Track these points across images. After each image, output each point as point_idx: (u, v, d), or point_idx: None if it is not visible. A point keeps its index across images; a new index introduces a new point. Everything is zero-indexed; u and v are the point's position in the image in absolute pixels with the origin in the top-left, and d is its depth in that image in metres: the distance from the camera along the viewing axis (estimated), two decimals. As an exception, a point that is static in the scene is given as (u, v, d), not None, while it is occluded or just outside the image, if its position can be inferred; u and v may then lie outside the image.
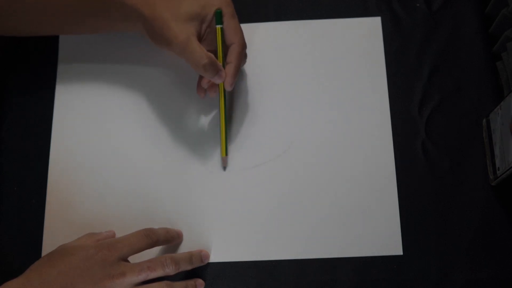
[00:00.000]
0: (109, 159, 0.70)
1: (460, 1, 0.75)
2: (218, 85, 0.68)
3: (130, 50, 0.74)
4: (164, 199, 0.69)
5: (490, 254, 0.66)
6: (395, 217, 0.67)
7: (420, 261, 0.66)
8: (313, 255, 0.66)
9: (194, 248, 0.67)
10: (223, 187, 0.69)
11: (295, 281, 0.66)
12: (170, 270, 0.61)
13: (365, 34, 0.75)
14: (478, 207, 0.67)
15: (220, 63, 0.67)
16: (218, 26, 0.67)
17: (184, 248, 0.67)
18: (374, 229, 0.67)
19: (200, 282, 0.65)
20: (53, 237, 0.67)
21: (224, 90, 0.69)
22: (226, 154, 0.69)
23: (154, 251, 0.66)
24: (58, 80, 0.74)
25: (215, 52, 0.68)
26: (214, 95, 0.69)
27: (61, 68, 0.74)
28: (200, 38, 0.67)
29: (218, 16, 0.67)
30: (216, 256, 0.67)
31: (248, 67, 0.73)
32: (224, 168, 0.70)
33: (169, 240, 0.66)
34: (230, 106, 0.72)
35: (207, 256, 0.66)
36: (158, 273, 0.60)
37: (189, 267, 0.64)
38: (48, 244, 0.67)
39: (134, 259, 0.61)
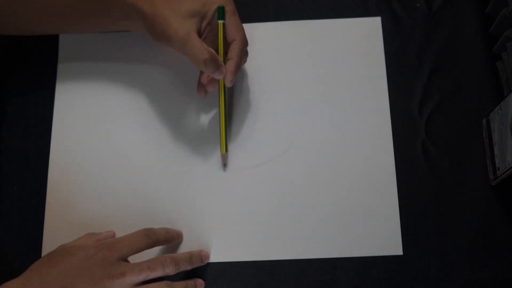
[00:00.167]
0: (109, 159, 0.70)
1: (460, 1, 0.75)
2: (218, 80, 0.68)
3: (130, 50, 0.74)
4: (164, 199, 0.69)
5: (490, 254, 0.66)
6: (395, 217, 0.67)
7: (420, 261, 0.66)
8: (313, 255, 0.66)
9: (194, 248, 0.67)
10: (223, 187, 0.69)
11: (295, 281, 0.66)
12: (170, 270, 0.61)
13: (365, 34, 0.75)
14: (478, 207, 0.67)
15: (221, 59, 0.67)
16: (220, 22, 0.67)
17: (184, 248, 0.67)
18: (374, 229, 0.67)
19: (200, 282, 0.65)
20: (53, 237, 0.67)
21: (224, 87, 0.69)
22: (226, 151, 0.69)
23: (154, 251, 0.66)
24: (58, 80, 0.74)
25: (215, 50, 0.68)
26: (213, 89, 0.69)
27: (61, 68, 0.74)
28: (200, 35, 0.67)
29: (221, 12, 0.67)
30: (216, 256, 0.67)
31: (248, 67, 0.73)
32: (224, 165, 0.70)
33: (169, 240, 0.66)
34: (230, 106, 0.72)
35: (207, 256, 0.66)
36: (158, 273, 0.60)
37: (189, 267, 0.64)
38: (48, 244, 0.67)
39: (134, 259, 0.61)
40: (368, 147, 0.70)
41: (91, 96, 0.73)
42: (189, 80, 0.73)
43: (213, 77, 0.67)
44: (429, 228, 0.67)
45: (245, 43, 0.68)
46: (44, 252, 0.67)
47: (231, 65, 0.67)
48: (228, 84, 0.67)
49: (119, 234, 0.65)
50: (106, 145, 0.71)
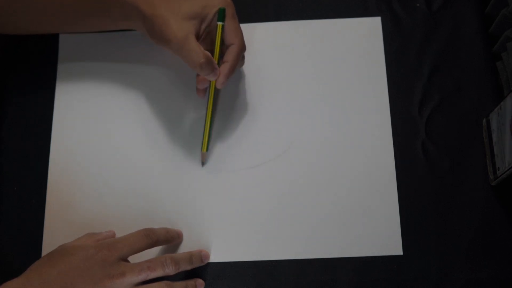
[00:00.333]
0: (109, 159, 0.70)
1: (460, 1, 0.75)
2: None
3: (130, 50, 0.74)
4: (164, 199, 0.69)
5: (490, 254, 0.66)
6: (395, 217, 0.67)
7: (420, 261, 0.66)
8: (313, 255, 0.66)
9: (194, 248, 0.67)
10: (223, 187, 0.69)
11: (295, 281, 0.66)
12: (170, 270, 0.61)
13: (365, 34, 0.75)
14: (478, 207, 0.67)
15: (215, 61, 0.67)
16: (220, 23, 0.67)
17: (184, 248, 0.67)
18: (374, 229, 0.67)
19: (200, 282, 0.65)
20: (53, 237, 0.67)
21: (215, 88, 0.68)
22: (207, 150, 0.69)
23: (154, 251, 0.66)
24: (58, 79, 0.74)
25: (211, 52, 0.68)
26: (202, 87, 0.68)
27: (61, 68, 0.74)
28: (198, 38, 0.67)
29: (221, 13, 0.67)
30: (216, 256, 0.67)
31: (248, 67, 0.73)
32: (202, 164, 0.70)
33: (169, 240, 0.66)
34: (230, 106, 0.72)
35: (207, 256, 0.66)
36: (158, 273, 0.60)
37: (189, 267, 0.64)
38: (48, 244, 0.67)
39: (134, 259, 0.61)
40: (368, 147, 0.70)
41: (91, 96, 0.73)
42: (189, 80, 0.73)
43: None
44: (429, 228, 0.67)
45: (242, 48, 0.68)
46: (44, 252, 0.67)
47: (225, 68, 0.66)
48: (219, 86, 0.67)
49: (119, 234, 0.65)
50: (106, 145, 0.71)
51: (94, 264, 0.58)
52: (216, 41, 0.68)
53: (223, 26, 0.67)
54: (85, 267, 0.58)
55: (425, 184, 0.68)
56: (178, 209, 0.69)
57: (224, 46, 0.68)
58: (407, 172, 0.69)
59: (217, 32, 0.67)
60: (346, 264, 0.66)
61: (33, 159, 0.71)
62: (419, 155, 0.70)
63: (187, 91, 0.73)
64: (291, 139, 0.71)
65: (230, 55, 0.67)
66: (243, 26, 0.69)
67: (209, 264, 0.66)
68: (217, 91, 0.71)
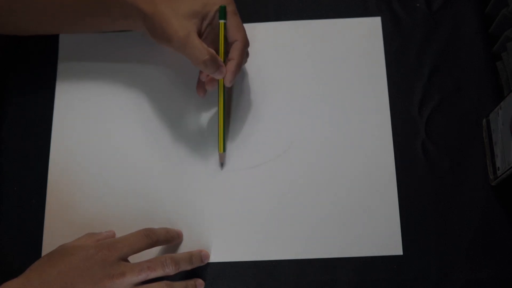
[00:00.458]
0: (109, 159, 0.70)
1: (460, 1, 0.75)
2: (217, 80, 0.68)
3: (130, 50, 0.74)
4: (164, 199, 0.69)
5: (490, 254, 0.66)
6: (395, 217, 0.67)
7: (420, 261, 0.66)
8: (313, 255, 0.66)
9: (194, 248, 0.67)
10: (223, 187, 0.69)
11: (295, 281, 0.66)
12: (170, 270, 0.61)
13: (365, 34, 0.75)
14: (478, 207, 0.67)
15: (221, 59, 0.67)
16: (222, 21, 0.67)
17: (184, 248, 0.67)
18: (374, 229, 0.67)
19: (200, 282, 0.65)
20: (53, 237, 0.67)
21: (224, 86, 0.68)
22: (224, 150, 0.69)
23: (154, 251, 0.66)
24: (58, 80, 0.74)
25: (215, 50, 0.67)
26: (212, 89, 0.69)
27: (61, 68, 0.74)
28: (200, 36, 0.66)
29: (222, 11, 0.67)
30: (216, 256, 0.67)
31: (248, 67, 0.73)
32: (221, 164, 0.70)
33: (169, 240, 0.66)
34: (230, 106, 0.72)
35: (207, 256, 0.66)
36: (158, 273, 0.60)
37: (189, 267, 0.64)
38: (48, 244, 0.67)
39: (134, 259, 0.61)
40: (368, 147, 0.70)
41: (91, 96, 0.73)
42: (189, 80, 0.73)
43: (213, 77, 0.67)
44: (429, 228, 0.67)
45: (246, 43, 0.68)
46: (44, 252, 0.67)
47: (231, 65, 0.67)
48: (228, 84, 0.67)
49: (119, 234, 0.65)
50: (106, 145, 0.71)
51: (94, 264, 0.58)
52: (220, 39, 0.68)
53: (225, 24, 0.67)
54: (85, 267, 0.58)
55: (425, 184, 0.68)
56: (178, 209, 0.69)
57: (227, 44, 0.68)
58: (407, 172, 0.69)
59: (220, 31, 0.67)
60: (346, 264, 0.66)
61: (33, 159, 0.71)
62: (419, 155, 0.70)
63: (187, 91, 0.73)
64: (291, 139, 0.71)
65: (235, 52, 0.67)
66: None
67: (209, 264, 0.66)
68: (225, 90, 0.71)
